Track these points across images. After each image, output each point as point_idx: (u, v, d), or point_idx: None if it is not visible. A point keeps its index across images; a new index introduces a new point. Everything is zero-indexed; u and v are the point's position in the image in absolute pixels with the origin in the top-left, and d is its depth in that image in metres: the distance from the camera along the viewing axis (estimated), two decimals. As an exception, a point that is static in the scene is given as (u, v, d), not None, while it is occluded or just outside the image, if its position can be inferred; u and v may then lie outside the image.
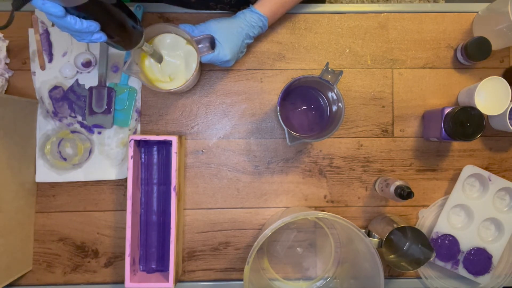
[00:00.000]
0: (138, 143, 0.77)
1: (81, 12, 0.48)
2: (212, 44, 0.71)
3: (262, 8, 0.73)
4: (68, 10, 0.47)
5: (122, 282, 0.81)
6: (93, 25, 0.49)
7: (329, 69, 0.67)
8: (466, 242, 0.81)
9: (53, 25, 0.81)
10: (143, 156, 0.80)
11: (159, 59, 0.71)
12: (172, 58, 0.73)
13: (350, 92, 0.84)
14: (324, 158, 0.84)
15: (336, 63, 0.85)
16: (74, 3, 0.46)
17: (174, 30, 0.71)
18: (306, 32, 0.85)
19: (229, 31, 0.71)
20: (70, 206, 0.81)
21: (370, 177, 0.84)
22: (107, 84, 0.81)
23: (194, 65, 0.72)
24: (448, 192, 0.84)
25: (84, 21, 0.49)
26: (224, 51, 0.70)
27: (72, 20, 0.47)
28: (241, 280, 0.82)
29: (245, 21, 0.72)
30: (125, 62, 0.82)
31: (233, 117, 0.84)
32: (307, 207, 0.83)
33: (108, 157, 0.81)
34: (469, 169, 0.81)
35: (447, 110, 0.75)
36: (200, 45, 0.71)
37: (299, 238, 0.84)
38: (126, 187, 0.81)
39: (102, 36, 0.52)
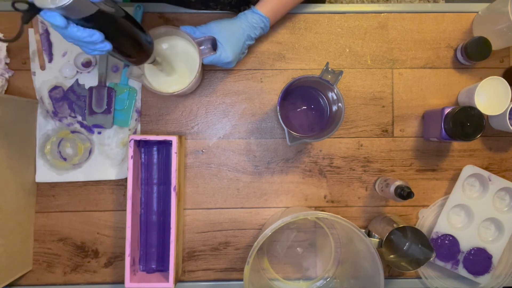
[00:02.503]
0: (138, 143, 0.77)
1: (90, 23, 0.48)
2: (214, 45, 0.71)
3: (264, 8, 0.73)
4: (76, 22, 0.47)
5: (122, 282, 0.81)
6: (95, 34, 0.49)
7: (329, 69, 0.67)
8: (466, 242, 0.81)
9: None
10: (143, 156, 0.80)
11: (162, 64, 0.71)
12: (174, 61, 0.73)
13: (350, 92, 0.84)
14: (324, 158, 0.84)
15: (336, 63, 0.85)
16: (79, 15, 0.46)
17: (176, 32, 0.71)
18: (306, 32, 0.85)
19: (230, 33, 0.71)
20: (70, 206, 0.81)
21: (370, 177, 0.84)
22: (107, 84, 0.81)
23: (196, 67, 0.72)
24: (448, 192, 0.84)
25: (86, 29, 0.48)
26: (226, 53, 0.70)
27: (74, 29, 0.47)
28: (241, 280, 0.82)
29: (247, 22, 0.72)
30: (126, 65, 0.82)
31: (233, 117, 0.84)
32: (307, 207, 0.83)
33: (108, 157, 0.81)
34: (469, 169, 0.81)
35: (447, 110, 0.75)
36: (202, 47, 0.71)
37: (299, 238, 0.84)
38: (126, 187, 0.81)
39: (107, 45, 0.51)
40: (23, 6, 0.44)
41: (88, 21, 0.48)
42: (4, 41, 0.49)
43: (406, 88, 0.84)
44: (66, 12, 0.45)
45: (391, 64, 0.85)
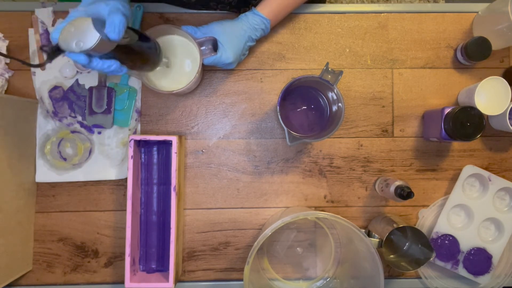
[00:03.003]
0: (138, 143, 0.77)
1: (109, 55, 0.54)
2: (215, 46, 0.71)
3: (265, 10, 0.73)
4: (97, 56, 0.53)
5: (122, 282, 0.81)
6: (113, 64, 0.55)
7: (329, 69, 0.67)
8: (466, 242, 0.81)
9: (53, 24, 0.81)
10: (143, 156, 0.80)
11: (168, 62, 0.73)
12: (174, 60, 0.73)
13: (350, 92, 0.84)
14: (324, 158, 0.84)
15: (336, 63, 0.85)
16: (101, 53, 0.52)
17: (177, 31, 0.71)
18: (306, 32, 0.85)
19: (231, 34, 0.71)
20: (70, 206, 0.81)
21: (370, 177, 0.84)
22: (107, 84, 0.81)
23: (196, 67, 0.72)
24: (448, 192, 0.84)
25: (105, 61, 0.54)
26: (227, 54, 0.70)
27: (95, 63, 0.54)
28: (241, 280, 0.82)
29: (248, 24, 0.72)
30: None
31: (233, 117, 0.84)
32: (307, 207, 0.83)
33: (108, 157, 0.81)
34: (469, 169, 0.81)
35: (447, 110, 0.75)
36: (203, 47, 0.71)
37: (299, 238, 0.84)
38: (126, 187, 0.81)
39: (123, 69, 0.57)
40: (49, 48, 0.50)
41: (108, 54, 0.54)
42: (27, 64, 0.53)
43: (406, 88, 0.84)
44: (89, 52, 0.50)
45: (391, 64, 0.85)
